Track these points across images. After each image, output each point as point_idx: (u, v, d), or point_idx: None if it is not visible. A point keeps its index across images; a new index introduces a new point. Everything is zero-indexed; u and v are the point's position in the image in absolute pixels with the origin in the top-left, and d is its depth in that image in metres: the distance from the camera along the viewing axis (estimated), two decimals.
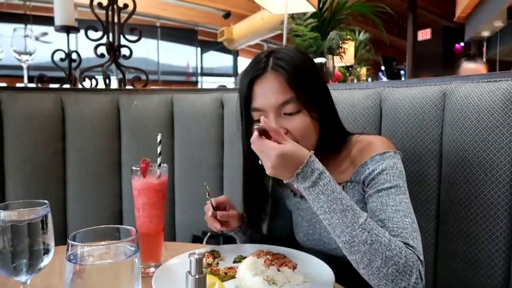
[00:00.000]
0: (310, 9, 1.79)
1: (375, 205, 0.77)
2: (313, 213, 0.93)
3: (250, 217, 1.00)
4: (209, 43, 12.71)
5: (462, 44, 8.71)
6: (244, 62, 13.45)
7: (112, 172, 1.45)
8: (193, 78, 13.21)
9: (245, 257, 0.83)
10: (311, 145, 0.84)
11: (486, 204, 0.97)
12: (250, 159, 0.87)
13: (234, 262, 0.83)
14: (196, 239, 1.41)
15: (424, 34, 8.94)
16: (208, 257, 0.82)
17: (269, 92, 0.81)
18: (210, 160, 1.46)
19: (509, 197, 0.94)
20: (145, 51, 12.20)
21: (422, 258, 0.71)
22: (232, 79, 13.59)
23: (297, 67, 0.82)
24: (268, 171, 0.71)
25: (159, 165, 0.82)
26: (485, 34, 7.16)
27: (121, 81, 1.75)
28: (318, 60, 1.70)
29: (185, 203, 1.48)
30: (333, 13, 1.83)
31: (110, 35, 1.70)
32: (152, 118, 1.47)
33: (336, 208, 0.68)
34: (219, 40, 11.17)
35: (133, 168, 0.81)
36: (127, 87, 1.76)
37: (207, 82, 13.39)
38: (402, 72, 9.64)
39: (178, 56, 12.96)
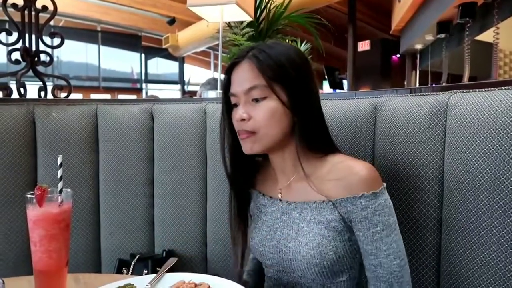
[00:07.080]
0: (247, 18, 1.74)
1: (370, 248, 0.82)
2: (275, 218, 0.91)
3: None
4: (154, 49, 12.35)
5: (398, 55, 9.23)
6: (190, 69, 13.23)
7: (26, 193, 1.29)
8: (138, 85, 12.74)
9: None
10: (277, 134, 0.84)
11: (416, 219, 0.97)
12: (232, 140, 0.90)
13: None
14: (123, 264, 1.29)
15: (364, 45, 9.36)
16: None
17: (240, 79, 0.85)
18: (139, 176, 1.35)
19: (437, 212, 0.94)
20: (86, 56, 11.58)
21: None
22: (178, 86, 13.28)
23: (271, 56, 0.83)
24: None
25: (61, 191, 0.71)
26: (418, 46, 7.64)
27: (41, 90, 1.58)
28: None
29: (111, 224, 1.36)
30: (270, 23, 1.80)
31: (27, 39, 1.53)
32: (73, 132, 1.33)
33: None
34: (164, 46, 10.90)
35: (28, 195, 0.70)
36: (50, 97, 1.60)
37: (152, 89, 12.98)
38: (344, 81, 10.02)
39: (122, 62, 12.45)
